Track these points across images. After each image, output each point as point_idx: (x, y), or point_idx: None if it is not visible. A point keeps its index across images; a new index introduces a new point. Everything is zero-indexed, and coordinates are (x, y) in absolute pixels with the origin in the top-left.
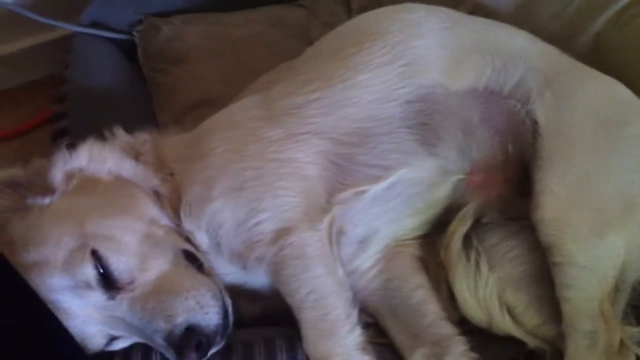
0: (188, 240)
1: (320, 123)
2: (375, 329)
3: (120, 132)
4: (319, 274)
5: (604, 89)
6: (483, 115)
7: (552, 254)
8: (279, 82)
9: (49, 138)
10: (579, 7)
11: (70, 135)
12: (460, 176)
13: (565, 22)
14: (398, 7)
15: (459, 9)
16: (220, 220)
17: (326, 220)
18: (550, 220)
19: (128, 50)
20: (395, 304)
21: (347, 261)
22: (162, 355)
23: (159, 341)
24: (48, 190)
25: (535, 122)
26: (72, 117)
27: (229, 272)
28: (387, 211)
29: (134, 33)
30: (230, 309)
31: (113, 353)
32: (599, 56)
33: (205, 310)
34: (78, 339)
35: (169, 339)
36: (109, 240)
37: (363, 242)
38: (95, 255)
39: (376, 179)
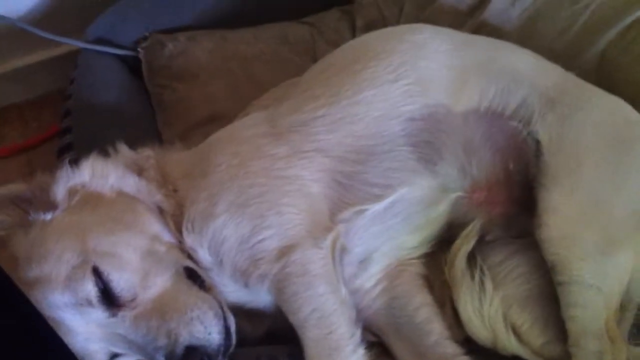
0: (190, 257)
1: (325, 140)
2: (379, 348)
3: (123, 148)
4: (322, 292)
5: (608, 108)
6: (485, 135)
7: (557, 272)
8: (284, 99)
9: (55, 153)
10: (584, 25)
11: (74, 150)
12: (460, 194)
13: (570, 40)
14: (405, 27)
15: (465, 27)
16: (223, 236)
17: (330, 238)
18: (555, 238)
19: (133, 66)
20: (399, 323)
21: (350, 280)
22: None
23: (160, 359)
24: (51, 205)
25: (537, 142)
26: (76, 132)
27: (231, 289)
28: (387, 230)
29: (138, 49)
30: (233, 328)
31: None
32: (603, 74)
33: (208, 329)
34: (80, 356)
35: (170, 357)
36: (110, 257)
37: (364, 261)
38: (97, 272)
39: (377, 198)
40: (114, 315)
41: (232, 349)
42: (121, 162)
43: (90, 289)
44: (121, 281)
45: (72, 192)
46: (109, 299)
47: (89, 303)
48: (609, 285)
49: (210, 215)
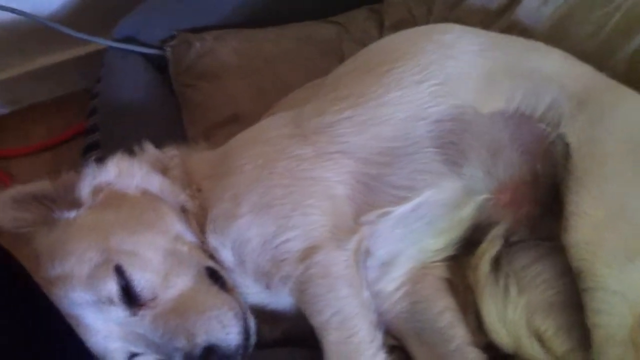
0: (212, 257)
1: (351, 142)
2: (399, 352)
3: (149, 147)
4: (345, 295)
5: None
6: (512, 137)
7: (582, 278)
8: (309, 100)
9: (81, 151)
10: (616, 26)
11: (100, 149)
12: (486, 196)
13: (601, 40)
14: (433, 27)
15: (494, 26)
16: (247, 237)
17: (354, 240)
18: (581, 243)
19: (159, 65)
20: (421, 327)
21: (372, 283)
22: None
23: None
24: (75, 204)
25: (566, 144)
26: (102, 131)
27: (253, 291)
28: (412, 232)
29: (165, 48)
30: (252, 330)
31: None
32: (635, 75)
33: (226, 330)
34: (99, 354)
35: (189, 358)
36: (133, 256)
37: (387, 264)
38: (119, 270)
39: (402, 200)
40: (134, 314)
41: (250, 351)
42: (146, 161)
43: (112, 287)
44: (142, 280)
45: (96, 191)
46: (130, 298)
47: (110, 301)
48: (634, 292)
49: (233, 216)
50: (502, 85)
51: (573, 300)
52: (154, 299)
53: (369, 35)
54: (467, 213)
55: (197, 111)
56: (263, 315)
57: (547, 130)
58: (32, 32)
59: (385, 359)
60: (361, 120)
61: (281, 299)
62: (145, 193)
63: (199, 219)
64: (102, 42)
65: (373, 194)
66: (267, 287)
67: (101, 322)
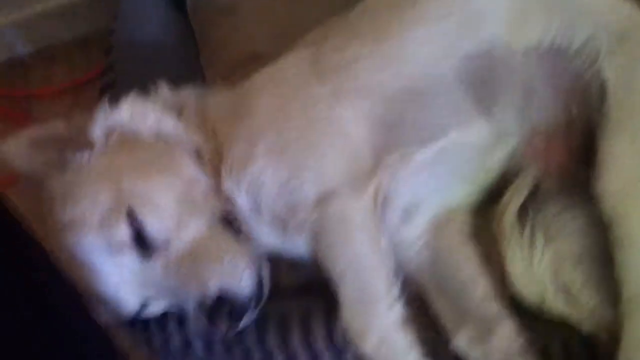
0: (227, 202)
1: (370, 80)
2: (419, 304)
3: (164, 88)
4: (361, 244)
5: None
6: (546, 75)
7: (614, 229)
8: (329, 37)
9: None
10: None
11: (115, 89)
12: (517, 141)
13: None
14: None
15: None
16: (262, 181)
17: (371, 185)
18: (614, 192)
19: (177, 2)
20: (442, 278)
21: (392, 231)
22: None
23: (190, 307)
24: (88, 146)
25: (603, 84)
26: (118, 70)
27: (269, 237)
28: (436, 178)
29: None
30: (266, 278)
31: (147, 319)
32: None
33: (239, 278)
34: (112, 300)
35: (201, 305)
36: (146, 200)
37: (409, 211)
38: (131, 215)
39: (425, 143)
40: (146, 260)
41: (264, 299)
42: (160, 103)
43: (123, 232)
44: (155, 225)
45: (110, 132)
46: (142, 243)
47: (122, 246)
48: None
49: (249, 159)
50: (537, 17)
51: (603, 251)
52: (167, 244)
53: None
54: (495, 158)
55: (215, 50)
56: (280, 262)
57: (584, 67)
58: None
59: (403, 310)
60: (382, 58)
61: (298, 247)
62: (160, 135)
63: (214, 162)
64: None
65: (394, 136)
66: (283, 233)
67: (113, 268)
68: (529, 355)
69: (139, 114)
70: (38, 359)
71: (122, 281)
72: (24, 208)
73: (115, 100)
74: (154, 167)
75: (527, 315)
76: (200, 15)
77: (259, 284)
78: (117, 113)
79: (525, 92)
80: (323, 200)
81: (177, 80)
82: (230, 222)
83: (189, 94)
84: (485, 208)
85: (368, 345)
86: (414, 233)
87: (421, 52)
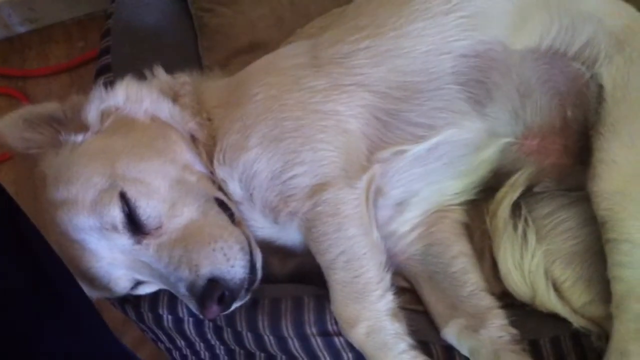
0: (220, 189)
1: (368, 74)
2: (410, 295)
3: (160, 72)
4: (353, 234)
5: None
6: (543, 77)
7: (607, 229)
8: (328, 29)
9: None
10: None
11: (111, 72)
12: (511, 140)
13: None
14: None
15: None
16: (255, 170)
17: (365, 178)
18: (608, 192)
19: None
20: (434, 271)
21: (384, 224)
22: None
23: (182, 290)
24: (83, 127)
25: (600, 87)
26: (114, 53)
27: (261, 225)
28: (429, 173)
29: None
30: (259, 264)
31: (140, 298)
32: None
33: (231, 262)
34: (103, 280)
35: (192, 289)
36: (139, 183)
37: (402, 205)
38: (124, 197)
39: (420, 138)
40: (138, 242)
41: (256, 285)
42: (156, 87)
43: (116, 214)
44: (148, 208)
45: (105, 115)
46: (135, 225)
47: (114, 228)
48: None
49: (242, 148)
50: (536, 19)
51: (595, 251)
52: (159, 227)
53: None
54: (488, 156)
55: (214, 38)
56: (272, 249)
57: (581, 70)
58: None
59: (393, 300)
60: (379, 52)
61: (290, 235)
62: (155, 120)
63: (208, 148)
64: None
65: (389, 131)
66: (275, 221)
67: (105, 249)
68: (518, 347)
69: (135, 98)
70: (32, 325)
71: (113, 262)
72: (16, 185)
73: (111, 83)
74: (149, 150)
75: (518, 310)
76: (200, 3)
77: (252, 268)
78: (112, 96)
79: (521, 94)
80: (316, 191)
81: (174, 66)
82: (223, 208)
83: (185, 80)
84: (480, 204)
85: (358, 333)
86: (408, 225)
87: (418, 48)
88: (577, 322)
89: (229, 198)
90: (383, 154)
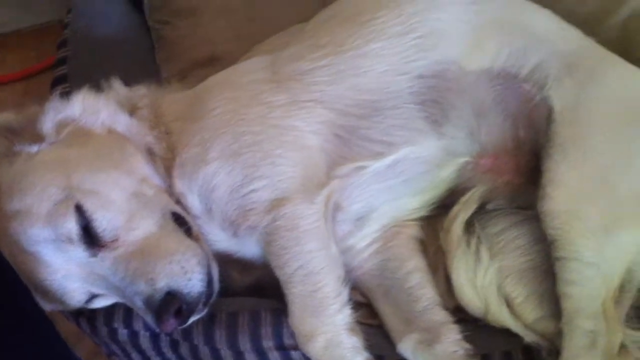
0: (179, 202)
1: (327, 92)
2: (366, 309)
3: (117, 84)
4: (311, 249)
5: (627, 80)
6: (497, 98)
7: (556, 247)
8: (288, 45)
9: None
10: None
11: (68, 83)
12: (467, 159)
13: (594, 5)
14: None
15: None
16: (214, 184)
17: (323, 193)
18: (557, 212)
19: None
20: (390, 286)
21: (343, 238)
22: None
23: (138, 304)
24: (38, 138)
25: (550, 108)
26: (71, 64)
27: (220, 239)
28: (387, 189)
29: None
30: (216, 277)
31: (95, 311)
32: (625, 43)
33: (188, 276)
34: (58, 293)
35: (149, 303)
36: (95, 196)
37: (360, 220)
38: (80, 209)
39: (378, 155)
40: (94, 255)
41: (213, 299)
42: (114, 99)
43: (71, 226)
44: (104, 221)
45: (60, 126)
46: (91, 238)
47: (70, 240)
48: (609, 264)
49: (201, 161)
50: (490, 41)
51: (546, 268)
52: (115, 240)
53: None
54: (446, 174)
55: (172, 50)
56: (231, 262)
57: (532, 92)
58: None
59: (351, 314)
60: (338, 70)
61: (249, 248)
62: (112, 132)
63: (166, 162)
64: None
65: (348, 147)
66: (234, 235)
67: (60, 261)
68: None
69: (92, 109)
70: None
71: (68, 274)
72: None
73: (68, 94)
74: (105, 162)
75: (471, 325)
76: (158, 15)
77: (209, 282)
78: (69, 107)
79: (476, 114)
80: (275, 205)
81: (132, 77)
82: (181, 222)
83: (143, 92)
84: (435, 220)
85: (315, 347)
86: (365, 241)
87: (376, 68)
88: (528, 337)
89: (187, 212)
90: (342, 170)
